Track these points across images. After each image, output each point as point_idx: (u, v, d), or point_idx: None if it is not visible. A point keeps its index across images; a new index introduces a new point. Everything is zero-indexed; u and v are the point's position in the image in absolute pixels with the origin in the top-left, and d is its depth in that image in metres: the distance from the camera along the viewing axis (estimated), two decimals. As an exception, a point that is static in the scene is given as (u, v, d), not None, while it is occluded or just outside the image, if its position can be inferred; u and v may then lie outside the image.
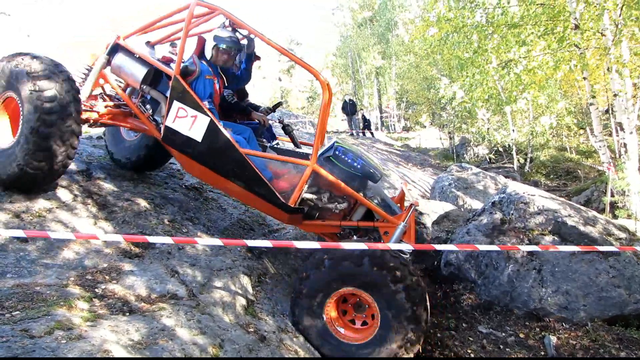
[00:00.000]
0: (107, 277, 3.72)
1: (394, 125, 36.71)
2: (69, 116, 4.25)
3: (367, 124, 26.51)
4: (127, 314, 3.29)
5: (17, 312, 2.91)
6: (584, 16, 9.16)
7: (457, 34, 11.43)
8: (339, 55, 41.50)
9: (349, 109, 24.04)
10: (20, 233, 3.39)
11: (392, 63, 34.39)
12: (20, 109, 4.19)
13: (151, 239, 3.77)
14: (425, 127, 34.71)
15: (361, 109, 28.32)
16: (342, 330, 4.45)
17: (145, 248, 4.31)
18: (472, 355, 4.97)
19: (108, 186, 5.15)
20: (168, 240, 3.83)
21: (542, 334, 5.05)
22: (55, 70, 4.28)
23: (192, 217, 5.42)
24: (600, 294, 5.14)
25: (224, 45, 4.80)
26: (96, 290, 3.49)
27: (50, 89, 4.13)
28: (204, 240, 4.34)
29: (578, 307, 5.14)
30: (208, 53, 4.89)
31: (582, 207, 6.49)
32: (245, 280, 4.62)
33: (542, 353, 4.81)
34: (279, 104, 6.46)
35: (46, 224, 4.10)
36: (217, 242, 3.95)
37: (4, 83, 4.37)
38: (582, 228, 5.76)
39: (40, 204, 4.31)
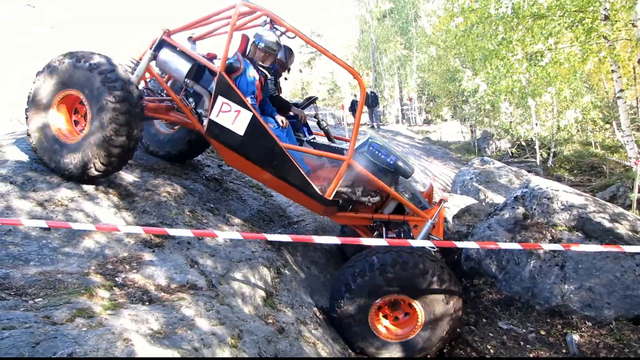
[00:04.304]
0: (127, 267, 3.74)
1: (414, 118, 36.37)
2: (136, 110, 4.49)
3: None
4: (147, 303, 3.30)
5: (40, 299, 2.95)
6: (614, 6, 8.89)
7: (482, 24, 11.23)
8: (359, 48, 41.19)
9: (370, 101, 23.80)
10: (42, 223, 3.43)
11: (414, 55, 34.04)
12: (88, 105, 4.41)
13: (171, 232, 3.80)
14: (446, 120, 34.36)
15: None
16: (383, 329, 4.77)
17: (165, 238, 4.33)
18: (492, 351, 4.91)
19: (129, 176, 5.19)
20: (188, 233, 3.86)
21: (564, 331, 4.97)
22: (118, 65, 4.52)
23: (212, 208, 5.43)
24: (626, 292, 5.02)
25: (262, 44, 5.05)
26: (117, 279, 3.52)
27: (121, 82, 4.36)
28: (224, 234, 4.35)
29: (602, 305, 5.04)
30: (249, 48, 5.15)
31: (607, 203, 6.34)
32: (265, 272, 4.63)
33: (564, 351, 4.73)
34: (313, 100, 6.66)
35: (68, 213, 4.14)
36: (236, 235, 3.98)
37: (64, 81, 4.50)
38: (607, 224, 5.62)
39: (63, 193, 4.36)
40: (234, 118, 4.69)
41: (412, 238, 5.06)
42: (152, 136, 6.23)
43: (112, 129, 4.30)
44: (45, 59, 4.61)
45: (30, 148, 4.79)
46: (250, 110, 4.66)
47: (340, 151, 5.26)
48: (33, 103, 4.59)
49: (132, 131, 4.46)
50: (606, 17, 8.78)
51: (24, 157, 4.74)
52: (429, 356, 4.79)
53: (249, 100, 4.73)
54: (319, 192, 4.81)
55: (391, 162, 5.11)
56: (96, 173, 4.46)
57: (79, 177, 4.48)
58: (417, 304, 4.57)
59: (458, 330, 5.17)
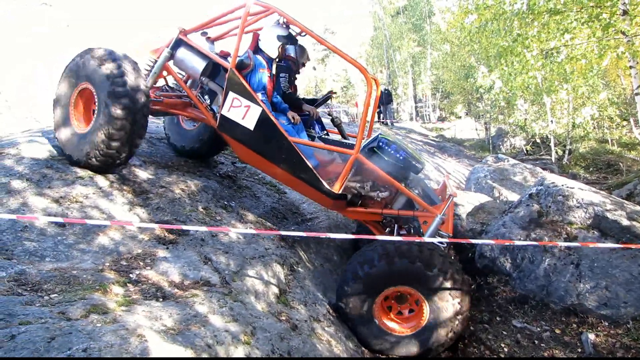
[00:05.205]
0: (141, 263, 3.77)
1: (428, 115, 36.21)
2: (140, 106, 4.61)
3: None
4: (161, 299, 3.32)
5: (55, 294, 2.98)
6: (633, 1, 8.71)
7: (497, 21, 11.11)
8: (373, 46, 41.06)
9: (384, 98, 23.63)
10: (58, 219, 3.47)
11: (428, 52, 33.87)
12: (96, 98, 4.59)
13: (185, 227, 3.82)
14: (460, 117, 34.16)
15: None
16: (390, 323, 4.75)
17: (179, 235, 4.35)
18: (506, 350, 4.87)
19: (143, 173, 5.23)
20: (202, 228, 3.88)
21: (580, 330, 4.90)
22: (128, 65, 4.65)
23: (226, 205, 5.46)
24: (644, 292, 4.94)
25: (283, 40, 5.26)
26: (131, 275, 3.54)
27: (125, 84, 4.47)
28: (238, 229, 4.38)
29: (618, 304, 4.96)
30: (265, 47, 5.26)
31: (624, 201, 6.25)
32: (278, 269, 4.64)
33: (580, 350, 4.67)
34: (329, 96, 6.67)
35: (83, 210, 4.19)
36: (250, 231, 4.00)
37: (81, 75, 4.71)
38: (624, 222, 5.53)
39: (78, 189, 4.40)
40: (244, 113, 4.79)
41: (423, 234, 5.04)
42: (179, 133, 6.36)
43: (111, 133, 4.46)
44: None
45: (52, 138, 4.89)
46: (260, 105, 4.73)
47: (350, 146, 5.26)
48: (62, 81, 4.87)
49: (131, 137, 4.65)
50: (625, 12, 8.61)
51: (40, 155, 4.80)
52: (441, 354, 4.76)
53: (259, 96, 4.82)
54: (326, 185, 4.84)
55: (400, 158, 5.10)
56: (96, 164, 4.64)
57: (84, 164, 4.67)
58: (421, 296, 4.53)
59: (472, 328, 5.14)
